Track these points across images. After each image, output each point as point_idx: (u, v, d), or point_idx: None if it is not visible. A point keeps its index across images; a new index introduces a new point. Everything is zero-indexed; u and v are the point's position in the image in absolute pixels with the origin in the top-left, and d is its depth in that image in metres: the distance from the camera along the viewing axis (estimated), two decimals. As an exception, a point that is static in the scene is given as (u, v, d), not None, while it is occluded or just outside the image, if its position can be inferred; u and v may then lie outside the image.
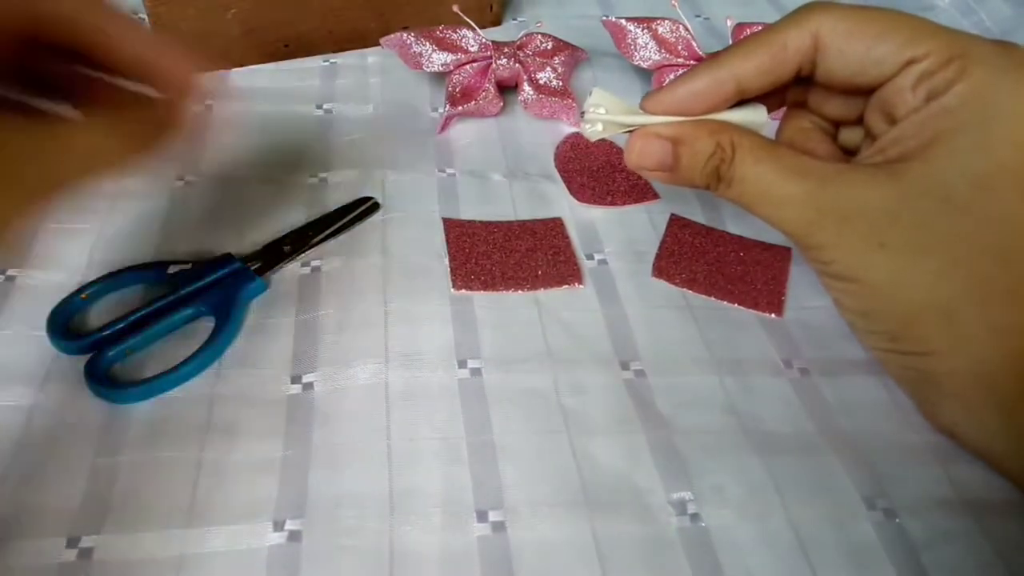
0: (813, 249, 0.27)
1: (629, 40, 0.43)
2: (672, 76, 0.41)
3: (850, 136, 0.30)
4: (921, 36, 0.25)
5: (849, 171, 0.26)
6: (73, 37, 0.24)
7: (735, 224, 0.36)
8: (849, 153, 0.30)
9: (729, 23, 0.42)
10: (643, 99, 0.28)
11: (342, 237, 0.34)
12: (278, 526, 0.24)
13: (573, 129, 0.41)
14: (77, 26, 0.24)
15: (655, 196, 0.37)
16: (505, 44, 0.43)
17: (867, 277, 0.26)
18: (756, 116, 0.28)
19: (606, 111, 0.28)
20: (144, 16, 0.42)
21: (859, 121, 0.29)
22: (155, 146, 0.25)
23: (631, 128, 0.28)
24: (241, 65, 0.45)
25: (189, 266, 0.32)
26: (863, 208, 0.25)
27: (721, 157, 0.27)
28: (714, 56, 0.28)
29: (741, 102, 0.28)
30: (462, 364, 0.30)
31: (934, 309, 0.25)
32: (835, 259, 0.26)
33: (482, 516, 0.25)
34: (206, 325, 0.30)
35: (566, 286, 0.33)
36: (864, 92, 0.28)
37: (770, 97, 0.29)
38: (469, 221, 0.35)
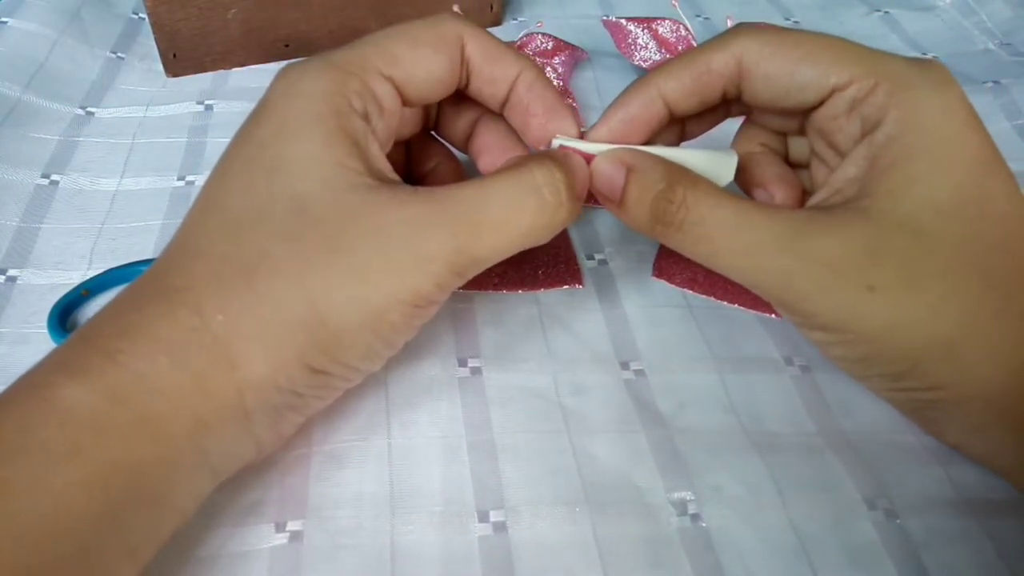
0: (793, 301, 0.25)
1: (629, 40, 0.43)
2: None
3: (799, 150, 0.30)
4: (843, 60, 0.25)
5: (818, 214, 0.25)
6: (480, 88, 0.27)
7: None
8: (800, 167, 0.30)
9: (729, 23, 0.42)
10: (585, 136, 0.28)
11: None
12: (279, 527, 0.24)
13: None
14: (485, 77, 0.27)
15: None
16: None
17: (859, 325, 0.24)
18: (725, 160, 0.27)
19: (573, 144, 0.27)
20: (145, 16, 0.42)
21: (802, 132, 0.29)
22: (569, 217, 0.26)
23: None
24: (241, 65, 0.45)
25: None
26: (844, 251, 0.24)
27: (669, 198, 0.25)
28: (642, 78, 0.28)
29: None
30: (462, 363, 0.30)
31: (936, 346, 0.24)
32: (820, 310, 0.24)
33: (483, 516, 0.25)
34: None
35: (566, 287, 0.33)
36: (794, 114, 0.28)
37: (712, 112, 0.29)
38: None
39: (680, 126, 0.30)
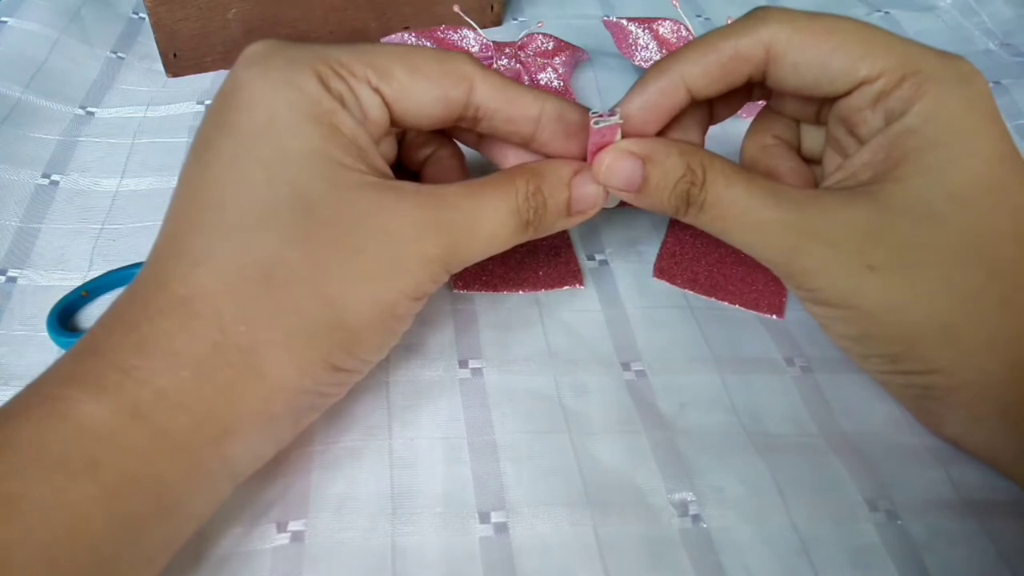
0: (797, 276, 0.26)
1: (630, 40, 0.43)
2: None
3: (813, 143, 0.30)
4: (874, 51, 0.25)
5: (826, 194, 0.26)
6: (495, 128, 0.27)
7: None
8: (812, 162, 0.30)
9: (730, 23, 0.42)
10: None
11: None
12: (281, 527, 0.24)
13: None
14: (503, 118, 0.26)
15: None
16: (506, 44, 0.43)
17: (859, 302, 0.25)
18: None
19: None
20: (145, 16, 0.42)
21: (818, 120, 0.29)
22: (544, 229, 0.27)
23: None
24: (242, 65, 0.45)
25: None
26: (846, 231, 0.24)
27: (691, 180, 0.26)
28: (662, 61, 0.27)
29: None
30: (463, 364, 0.30)
31: (933, 328, 0.24)
32: (821, 285, 0.25)
33: (484, 517, 0.25)
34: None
35: (567, 287, 0.33)
36: (818, 101, 0.28)
37: (737, 95, 0.29)
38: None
39: (707, 110, 0.29)
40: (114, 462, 0.20)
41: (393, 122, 0.25)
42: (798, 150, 0.30)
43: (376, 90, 0.24)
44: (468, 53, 0.26)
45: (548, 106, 0.26)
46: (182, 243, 0.23)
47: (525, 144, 0.28)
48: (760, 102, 0.31)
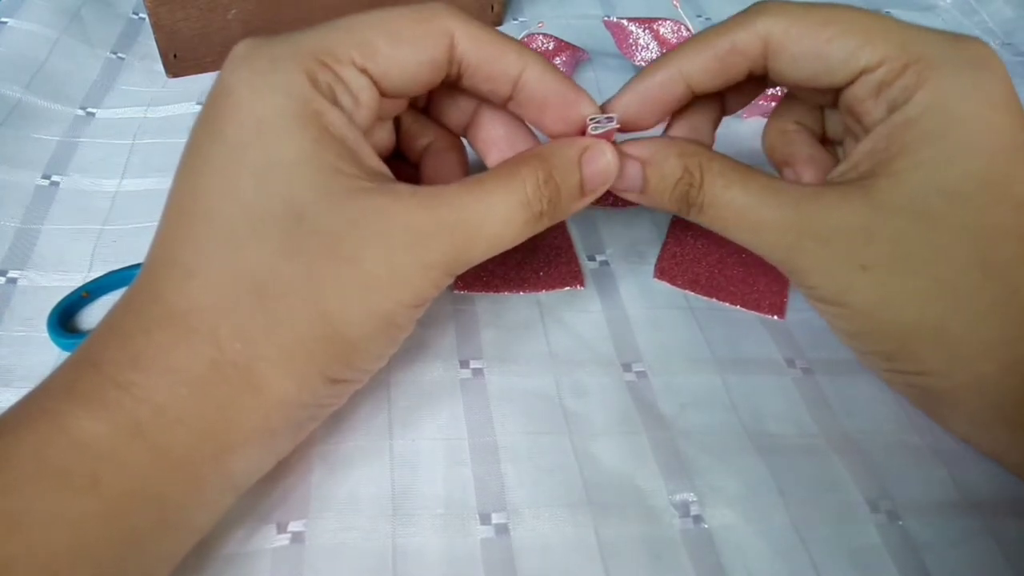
0: (795, 273, 0.26)
1: (631, 40, 0.43)
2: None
3: (836, 124, 0.29)
4: (874, 40, 0.24)
5: (823, 192, 0.25)
6: (475, 85, 0.26)
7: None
8: (836, 142, 0.30)
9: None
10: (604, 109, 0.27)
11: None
12: (281, 528, 0.24)
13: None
14: (483, 74, 0.25)
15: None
16: (506, 44, 0.43)
17: (852, 300, 0.25)
18: None
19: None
20: (145, 16, 0.42)
21: (837, 105, 0.28)
22: (559, 216, 0.26)
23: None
24: (242, 65, 0.45)
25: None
26: (839, 229, 0.24)
27: (690, 182, 0.26)
28: (662, 57, 0.27)
29: None
30: (464, 364, 0.30)
31: (926, 328, 0.24)
32: (817, 283, 0.25)
33: (485, 518, 0.25)
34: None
35: (568, 288, 0.33)
36: (823, 92, 0.27)
37: (750, 85, 0.28)
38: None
39: (719, 103, 0.29)
40: (115, 479, 0.20)
41: (383, 95, 0.25)
42: (822, 135, 0.30)
43: (363, 70, 0.24)
44: (446, 3, 0.25)
45: (532, 67, 0.25)
46: (175, 253, 0.22)
47: (501, 104, 0.27)
48: (763, 100, 0.31)
